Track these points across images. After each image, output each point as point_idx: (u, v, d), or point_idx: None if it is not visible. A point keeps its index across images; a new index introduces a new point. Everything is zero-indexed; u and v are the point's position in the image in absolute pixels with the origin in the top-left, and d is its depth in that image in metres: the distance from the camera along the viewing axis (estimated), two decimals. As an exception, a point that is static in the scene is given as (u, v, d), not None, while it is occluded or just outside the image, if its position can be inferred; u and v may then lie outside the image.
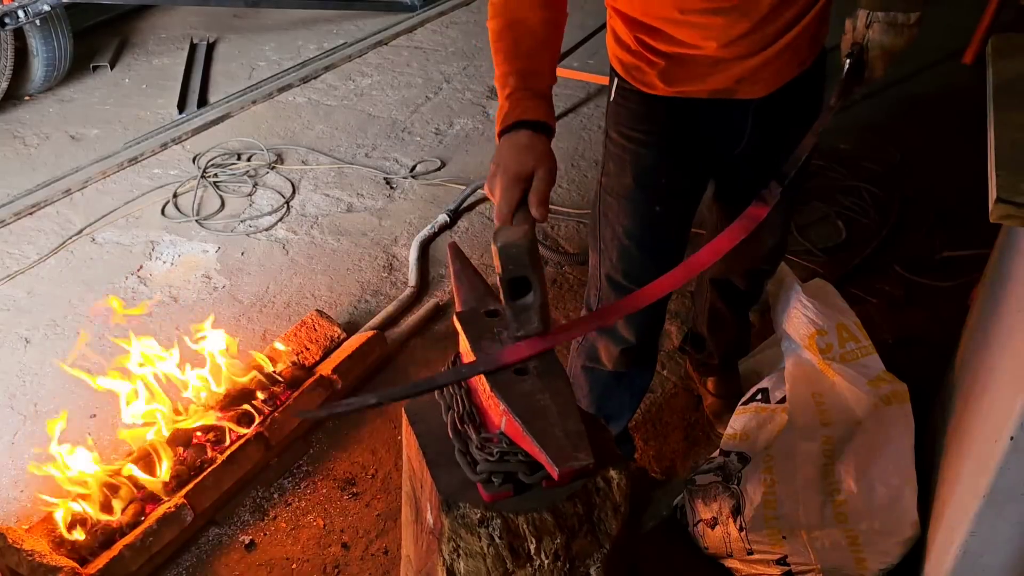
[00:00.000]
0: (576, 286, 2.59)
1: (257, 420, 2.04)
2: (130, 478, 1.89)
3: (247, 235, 2.89)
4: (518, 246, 1.04)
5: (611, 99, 1.51)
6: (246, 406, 2.07)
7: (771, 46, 1.32)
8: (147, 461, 1.93)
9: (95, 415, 2.22)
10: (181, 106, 3.69)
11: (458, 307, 1.23)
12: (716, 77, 1.35)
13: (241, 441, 1.98)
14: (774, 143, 1.44)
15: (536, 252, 1.06)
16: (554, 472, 0.97)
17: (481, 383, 1.10)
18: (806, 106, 1.46)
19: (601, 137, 1.70)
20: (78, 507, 1.82)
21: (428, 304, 2.53)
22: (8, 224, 2.94)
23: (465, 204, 2.98)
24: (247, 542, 1.89)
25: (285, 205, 3.04)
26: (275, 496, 2.00)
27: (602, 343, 1.69)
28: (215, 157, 3.31)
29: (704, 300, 2.03)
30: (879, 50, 1.23)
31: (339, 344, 2.32)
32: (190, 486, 1.88)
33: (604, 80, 1.78)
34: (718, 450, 1.93)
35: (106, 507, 1.84)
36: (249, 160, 3.29)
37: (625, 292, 1.57)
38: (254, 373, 2.14)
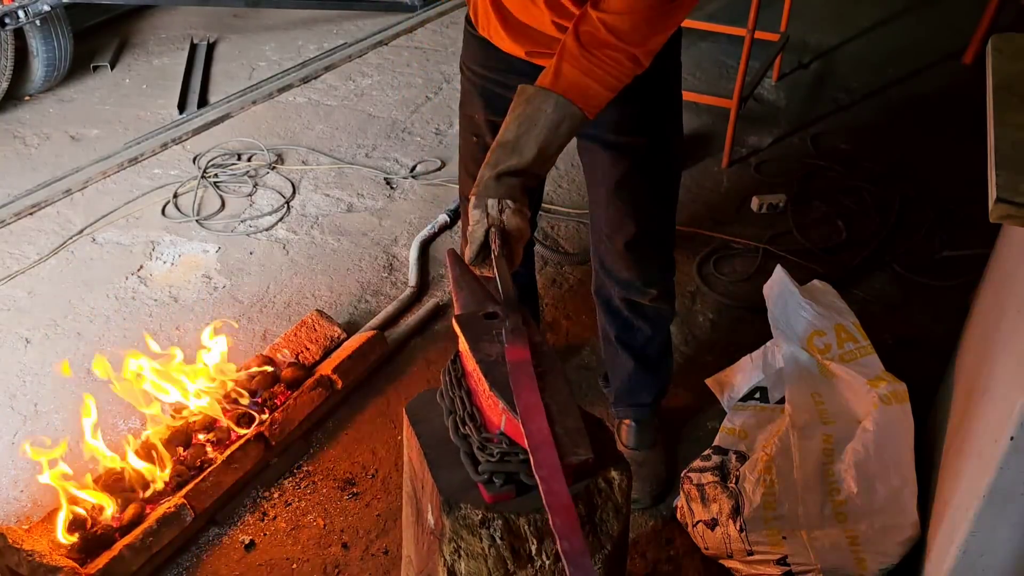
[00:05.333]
0: (576, 286, 2.59)
1: (257, 420, 2.04)
2: (130, 477, 1.89)
3: (247, 235, 2.89)
4: None
5: (464, 36, 1.68)
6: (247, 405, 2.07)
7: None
8: (147, 461, 1.93)
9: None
10: (181, 106, 3.69)
11: (457, 311, 1.23)
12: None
13: (241, 441, 1.98)
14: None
15: None
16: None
17: (481, 384, 1.10)
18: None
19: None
20: (80, 506, 1.82)
21: (428, 304, 2.53)
22: (8, 224, 2.94)
23: (465, 204, 2.98)
24: (247, 542, 1.89)
25: (285, 205, 3.04)
26: (275, 496, 2.00)
27: None
28: (215, 157, 3.30)
29: (599, 323, 1.97)
30: (516, 232, 1.26)
31: (339, 344, 2.32)
32: (190, 486, 1.88)
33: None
34: (711, 448, 1.92)
35: (106, 507, 1.84)
36: (249, 160, 3.29)
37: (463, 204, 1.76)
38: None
